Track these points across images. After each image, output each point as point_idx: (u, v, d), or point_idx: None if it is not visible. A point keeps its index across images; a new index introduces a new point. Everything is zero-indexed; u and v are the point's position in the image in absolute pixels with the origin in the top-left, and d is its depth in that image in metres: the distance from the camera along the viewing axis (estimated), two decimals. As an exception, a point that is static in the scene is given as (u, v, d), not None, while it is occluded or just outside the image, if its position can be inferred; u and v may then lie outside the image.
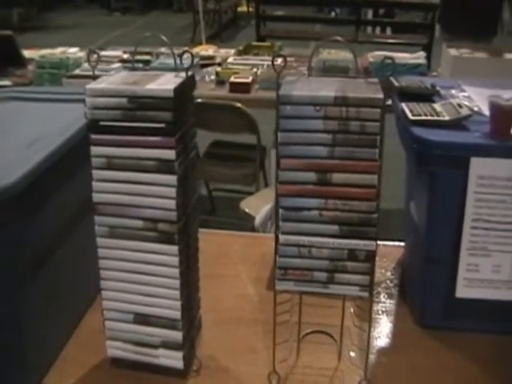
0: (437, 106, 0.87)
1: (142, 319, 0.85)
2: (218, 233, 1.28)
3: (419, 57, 2.61)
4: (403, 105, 0.91)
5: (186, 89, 0.76)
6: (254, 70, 2.89)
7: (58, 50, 3.10)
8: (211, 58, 3.10)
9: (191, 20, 7.35)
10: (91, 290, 1.03)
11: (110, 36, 7.77)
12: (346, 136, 0.70)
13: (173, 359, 0.86)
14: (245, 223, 1.86)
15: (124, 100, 0.74)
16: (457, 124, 0.83)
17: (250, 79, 2.71)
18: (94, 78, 0.77)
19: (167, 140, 0.74)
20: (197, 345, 0.91)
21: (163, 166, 0.76)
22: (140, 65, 2.52)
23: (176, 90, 0.72)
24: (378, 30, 7.53)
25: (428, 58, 2.71)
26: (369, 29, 7.53)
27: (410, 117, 0.84)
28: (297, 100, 0.70)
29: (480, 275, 0.87)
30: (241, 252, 1.19)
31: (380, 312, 1.01)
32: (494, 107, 0.80)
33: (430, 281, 0.91)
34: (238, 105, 2.49)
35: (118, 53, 3.12)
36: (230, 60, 3.09)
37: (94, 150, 0.77)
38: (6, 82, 2.86)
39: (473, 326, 0.92)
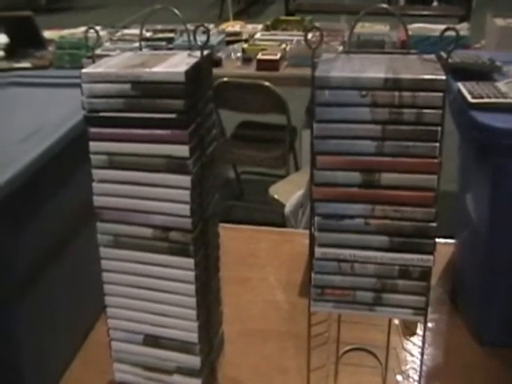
0: (501, 86, 0.72)
1: (152, 341, 0.73)
2: (242, 228, 1.15)
3: (461, 28, 2.42)
4: (460, 85, 0.76)
5: (201, 71, 0.63)
6: (283, 46, 2.73)
7: (80, 30, 2.99)
8: (237, 34, 2.95)
9: (220, -4, 7.18)
10: (100, 300, 0.92)
11: (137, 14, 7.64)
12: (398, 127, 0.56)
13: (190, 387, 0.74)
14: (275, 209, 1.73)
15: (127, 86, 0.61)
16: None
17: (278, 56, 2.55)
18: (93, 60, 0.64)
19: (179, 133, 0.61)
20: (218, 367, 0.79)
21: (175, 165, 0.63)
22: (163, 43, 2.39)
23: (188, 72, 0.59)
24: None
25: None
26: (401, 1, 7.26)
27: (470, 99, 0.69)
28: (337, 83, 0.56)
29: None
30: (269, 251, 1.06)
31: (429, 324, 0.88)
32: None
33: (492, 291, 0.77)
34: (266, 83, 2.34)
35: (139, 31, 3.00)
36: (258, 36, 2.93)
37: (94, 145, 0.65)
38: (26, 64, 2.76)
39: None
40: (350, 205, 0.60)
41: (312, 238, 0.64)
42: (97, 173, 0.66)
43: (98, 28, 2.78)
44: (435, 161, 0.57)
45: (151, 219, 0.67)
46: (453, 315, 0.88)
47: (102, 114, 0.63)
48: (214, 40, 2.73)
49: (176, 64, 0.61)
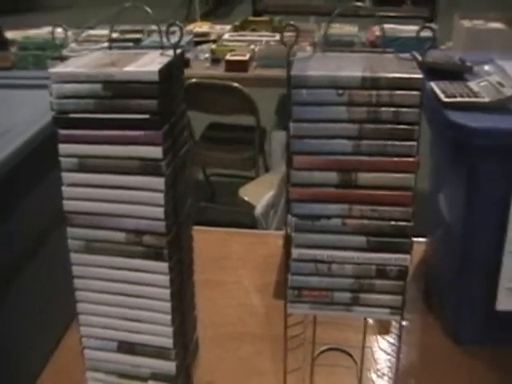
0: (473, 86, 0.72)
1: (127, 348, 0.71)
2: (214, 230, 1.14)
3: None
4: (432, 84, 0.76)
5: (173, 70, 0.61)
6: (252, 46, 2.71)
7: (45, 30, 2.92)
8: (205, 34, 2.92)
9: (188, -3, 7.11)
10: (71, 306, 0.89)
11: (105, 14, 7.52)
12: (375, 126, 0.56)
13: (165, 393, 0.72)
14: (245, 210, 1.72)
15: (98, 86, 0.59)
16: (499, 106, 0.69)
17: (247, 56, 2.54)
18: (63, 60, 0.62)
19: (152, 134, 0.60)
20: (193, 372, 0.77)
21: (148, 167, 0.61)
22: (130, 44, 2.36)
23: (162, 71, 0.58)
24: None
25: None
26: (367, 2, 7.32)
27: (444, 98, 0.69)
28: (314, 82, 0.55)
29: (526, 285, 0.73)
30: (242, 253, 1.05)
31: (403, 323, 0.88)
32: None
33: (465, 290, 0.77)
34: (235, 84, 2.33)
35: (107, 32, 2.94)
36: (226, 36, 2.91)
37: (63, 148, 0.63)
38: (-15, 67, 2.69)
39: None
40: (327, 205, 0.60)
41: (288, 238, 0.63)
42: (67, 176, 0.64)
43: (61, 29, 2.67)
44: (412, 160, 0.57)
45: (124, 223, 0.65)
46: (426, 314, 0.89)
47: (71, 116, 0.61)
48: (182, 41, 2.71)
49: (148, 63, 0.60)
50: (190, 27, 3.00)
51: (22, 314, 0.75)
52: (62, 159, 0.63)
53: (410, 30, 2.22)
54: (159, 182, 0.62)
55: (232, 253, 1.04)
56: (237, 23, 3.14)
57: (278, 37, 2.85)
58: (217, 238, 1.09)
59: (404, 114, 0.55)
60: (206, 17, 5.65)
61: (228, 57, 2.55)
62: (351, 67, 0.56)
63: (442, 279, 0.86)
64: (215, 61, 2.62)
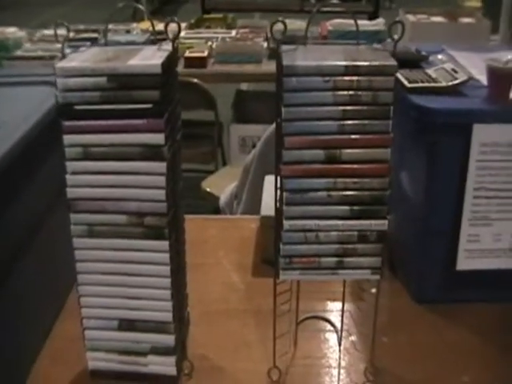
0: (431, 72, 0.82)
1: (127, 325, 0.76)
2: (190, 218, 1.20)
3: (378, 24, 2.60)
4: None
5: (171, 63, 0.67)
6: (209, 43, 2.77)
7: None
8: (162, 33, 2.93)
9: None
10: (61, 294, 0.93)
11: (50, 14, 7.26)
12: (356, 108, 0.64)
13: (164, 366, 0.78)
14: (207, 204, 1.77)
15: (103, 79, 0.64)
16: (454, 90, 0.79)
17: (206, 53, 2.60)
18: (63, 57, 0.67)
19: (155, 122, 0.66)
20: (187, 346, 0.83)
21: (150, 152, 0.67)
22: (88, 43, 2.35)
23: (164, 64, 0.64)
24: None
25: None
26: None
27: (407, 84, 0.79)
28: (303, 71, 0.63)
29: (481, 245, 0.84)
30: (218, 237, 1.11)
31: (374, 289, 0.97)
32: (493, 70, 0.77)
33: (428, 254, 0.87)
34: (195, 80, 2.37)
35: (62, 31, 2.89)
36: (182, 34, 2.94)
37: (68, 138, 0.67)
38: None
39: (472, 297, 0.89)
40: (315, 179, 0.67)
41: (278, 212, 0.70)
42: (71, 165, 0.69)
43: (14, 29, 2.65)
44: (388, 136, 0.65)
45: (126, 206, 0.70)
46: (392, 281, 0.98)
47: (76, 107, 0.66)
48: (139, 39, 2.72)
49: (149, 57, 0.66)
50: (141, 26, 2.99)
51: (18, 301, 0.78)
52: (66, 149, 0.68)
53: (360, 24, 2.34)
54: (161, 166, 0.68)
55: (210, 237, 1.10)
56: (192, 21, 3.18)
57: (233, 33, 2.92)
58: (193, 224, 1.14)
59: (381, 97, 0.64)
60: (152, 15, 5.62)
61: (187, 54, 2.58)
62: (334, 57, 0.64)
63: (404, 248, 0.96)
64: (173, 58, 2.65)
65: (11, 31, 2.78)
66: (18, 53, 2.60)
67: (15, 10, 7.73)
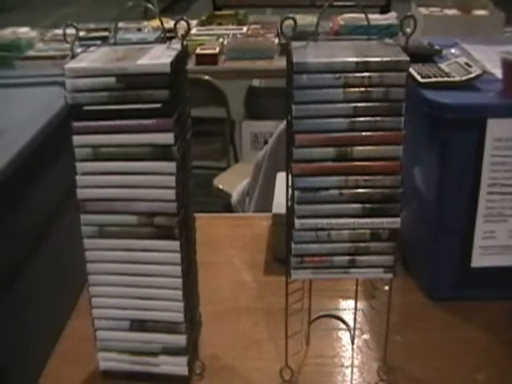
0: (444, 67, 0.81)
1: (139, 325, 0.75)
2: (201, 216, 1.20)
3: (390, 17, 2.58)
4: (409, 66, 0.85)
5: (180, 62, 0.67)
6: (220, 40, 2.76)
7: (8, 31, 2.84)
8: (172, 30, 2.94)
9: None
10: (72, 295, 0.93)
11: (60, 14, 7.29)
12: (368, 105, 0.63)
13: (176, 366, 0.77)
14: (218, 201, 1.77)
15: (112, 80, 0.64)
16: (468, 84, 0.77)
17: (217, 50, 2.59)
18: (72, 57, 0.66)
19: (164, 122, 0.65)
20: (198, 346, 0.83)
21: (160, 152, 0.67)
22: (98, 42, 2.35)
23: (173, 63, 0.63)
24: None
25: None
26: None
27: (420, 79, 0.78)
28: (314, 68, 0.62)
29: (496, 242, 0.83)
30: (229, 235, 1.11)
31: (387, 287, 0.96)
32: (508, 64, 0.75)
33: (442, 251, 0.86)
34: (206, 77, 2.37)
35: (72, 31, 2.90)
36: (194, 31, 2.94)
37: (77, 139, 0.67)
38: None
39: (486, 295, 0.88)
40: (326, 178, 0.67)
41: (289, 211, 0.70)
42: (80, 166, 0.68)
43: (26, 29, 2.66)
44: (400, 133, 0.64)
45: (136, 206, 0.70)
46: (406, 278, 0.97)
47: (86, 108, 0.66)
48: (150, 37, 2.72)
49: (158, 56, 0.65)
50: (152, 24, 3.00)
51: (30, 302, 0.78)
52: (76, 150, 0.67)
53: (372, 18, 2.33)
54: (171, 166, 0.67)
55: (220, 236, 1.10)
56: (203, 18, 3.17)
57: (244, 30, 2.92)
58: (204, 223, 1.14)
59: (392, 93, 0.63)
60: (163, 13, 5.62)
61: (198, 50, 2.58)
62: (344, 53, 0.63)
63: (417, 245, 0.95)
64: (185, 55, 2.66)
65: (23, 31, 2.79)
66: (31, 53, 2.62)
67: (27, 9, 7.77)
